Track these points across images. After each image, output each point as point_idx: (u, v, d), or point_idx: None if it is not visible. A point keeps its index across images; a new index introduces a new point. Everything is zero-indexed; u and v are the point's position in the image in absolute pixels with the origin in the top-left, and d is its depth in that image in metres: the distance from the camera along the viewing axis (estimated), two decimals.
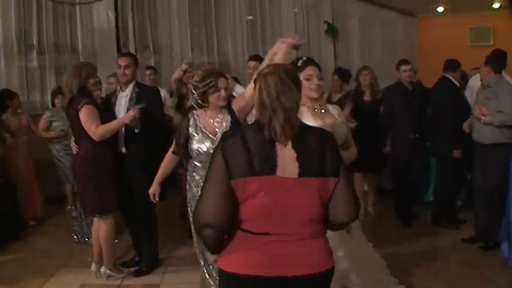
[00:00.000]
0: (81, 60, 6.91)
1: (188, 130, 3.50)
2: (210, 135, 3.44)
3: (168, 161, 3.76)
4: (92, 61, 6.84)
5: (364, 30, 12.32)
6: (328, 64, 10.21)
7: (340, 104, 6.22)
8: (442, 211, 5.88)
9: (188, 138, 3.49)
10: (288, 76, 1.99)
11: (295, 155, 1.93)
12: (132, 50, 7.48)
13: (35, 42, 6.70)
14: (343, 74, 7.10)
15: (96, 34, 7.15)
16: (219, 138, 3.18)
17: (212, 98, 3.45)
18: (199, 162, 3.49)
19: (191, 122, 3.51)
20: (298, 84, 2.02)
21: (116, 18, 7.38)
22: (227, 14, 8.88)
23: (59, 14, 6.92)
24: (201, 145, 3.44)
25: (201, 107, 3.53)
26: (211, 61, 8.57)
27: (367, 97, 6.35)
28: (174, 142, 3.63)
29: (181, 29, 8.04)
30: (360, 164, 5.93)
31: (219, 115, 3.52)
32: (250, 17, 9.39)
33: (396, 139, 6.13)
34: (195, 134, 3.47)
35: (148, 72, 6.73)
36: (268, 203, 1.90)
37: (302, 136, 1.96)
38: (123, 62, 4.58)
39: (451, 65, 5.85)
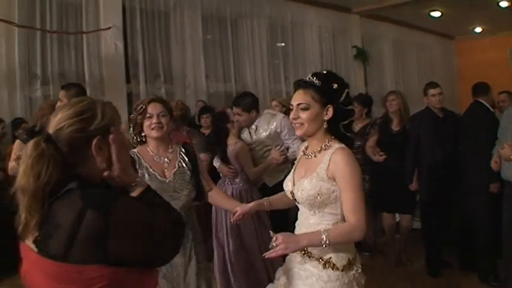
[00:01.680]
0: (88, 90, 6.66)
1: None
2: (158, 176, 2.95)
3: None
4: (99, 91, 6.77)
5: (397, 54, 11.95)
6: (358, 91, 9.71)
7: (363, 133, 5.78)
8: (485, 262, 4.98)
9: None
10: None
11: None
12: (142, 79, 7.35)
13: (38, 71, 6.54)
14: (363, 101, 6.36)
15: (103, 63, 7.00)
16: (171, 183, 2.95)
17: (145, 129, 2.99)
18: None
19: (136, 162, 2.96)
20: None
21: (125, 47, 7.16)
22: (246, 39, 8.70)
23: (64, 43, 6.80)
24: None
25: (139, 143, 3.08)
26: (228, 89, 8.28)
27: (395, 126, 5.66)
28: None
29: (195, 56, 7.82)
30: (389, 203, 5.67)
31: (168, 151, 3.06)
32: (282, 44, 9.23)
33: (423, 175, 5.37)
34: (143, 176, 2.94)
35: None
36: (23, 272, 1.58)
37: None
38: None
39: (481, 88, 5.24)
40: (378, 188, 5.73)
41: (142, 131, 3.00)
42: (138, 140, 3.07)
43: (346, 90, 2.44)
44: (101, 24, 6.94)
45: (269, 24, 9.03)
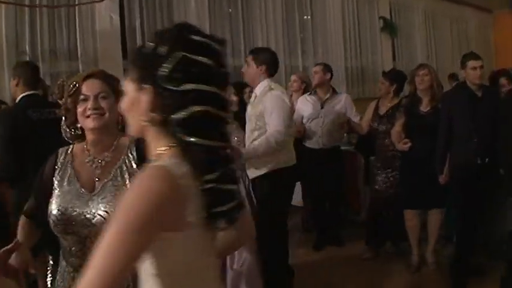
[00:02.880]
0: (81, 67, 6.22)
1: (52, 178, 2.11)
2: (79, 187, 2.05)
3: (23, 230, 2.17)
4: (93, 67, 6.27)
5: (429, 27, 11.15)
6: (385, 66, 9.08)
7: (391, 116, 5.05)
8: None
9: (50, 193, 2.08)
10: None
11: None
12: None
13: (27, 49, 6.08)
14: (391, 77, 5.49)
15: (98, 38, 6.58)
16: (94, 199, 2.01)
17: (78, 117, 2.08)
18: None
19: (60, 162, 2.13)
20: None
21: (122, 20, 6.75)
22: (258, 8, 8.10)
23: (55, 18, 6.39)
24: (62, 206, 2.02)
25: (75, 138, 2.17)
26: (238, 64, 7.65)
27: (424, 107, 4.76)
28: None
29: (200, 27, 7.08)
30: (415, 198, 4.78)
31: (109, 150, 2.10)
32: (307, 17, 8.63)
33: (457, 164, 4.49)
34: (57, 187, 2.08)
35: None
36: None
37: None
38: None
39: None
40: (405, 183, 4.92)
41: (77, 120, 2.10)
42: (73, 133, 2.15)
43: (180, 54, 1.34)
44: None
45: None
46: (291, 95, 5.70)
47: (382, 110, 5.26)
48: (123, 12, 6.77)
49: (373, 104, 5.49)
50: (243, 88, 5.38)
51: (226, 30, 7.74)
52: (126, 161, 2.07)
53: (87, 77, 2.12)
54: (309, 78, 6.05)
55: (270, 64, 4.03)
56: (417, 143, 4.64)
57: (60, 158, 2.13)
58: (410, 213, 4.95)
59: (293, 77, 5.93)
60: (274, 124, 3.79)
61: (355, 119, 5.58)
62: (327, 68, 5.60)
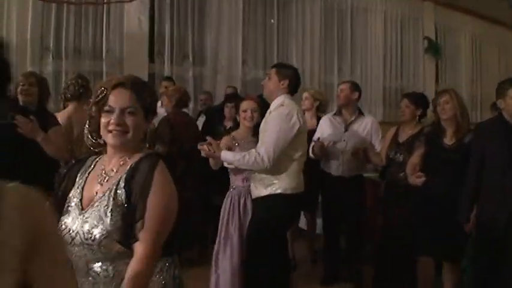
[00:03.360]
0: (104, 67, 6.05)
1: (74, 181, 1.98)
2: (79, 204, 1.88)
3: None
4: (117, 69, 6.32)
5: (475, 52, 10.61)
6: (427, 89, 8.62)
7: (410, 145, 4.42)
8: None
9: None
10: None
11: None
12: (167, 59, 6.68)
13: (51, 45, 5.97)
14: (416, 99, 4.69)
15: (124, 39, 6.42)
16: (84, 218, 1.82)
17: (101, 127, 1.89)
18: None
19: (83, 168, 2.00)
20: None
21: (152, 23, 6.56)
22: (294, 22, 7.79)
23: (82, 16, 6.26)
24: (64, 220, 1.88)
25: (97, 146, 1.98)
26: None
27: (448, 139, 3.99)
28: None
29: (231, 37, 7.01)
30: (430, 245, 3.95)
31: (119, 163, 1.91)
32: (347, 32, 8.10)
33: (487, 212, 3.63)
34: (72, 201, 1.92)
35: (165, 84, 5.71)
36: None
37: None
38: None
39: None
40: (419, 224, 4.13)
41: (99, 129, 1.90)
42: (94, 141, 1.97)
43: None
44: None
45: (324, 6, 8.07)
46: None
47: (402, 137, 4.49)
48: (153, 16, 6.59)
49: (392, 130, 4.64)
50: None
51: (260, 41, 7.45)
52: (120, 181, 1.84)
53: (118, 84, 1.88)
54: (322, 95, 5.58)
55: (293, 81, 3.71)
56: (436, 179, 3.83)
57: (86, 164, 2.01)
58: (424, 261, 4.16)
59: (305, 95, 5.34)
60: (264, 141, 3.48)
61: (378, 148, 4.80)
62: (354, 87, 4.93)
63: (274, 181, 3.55)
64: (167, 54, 6.63)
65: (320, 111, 5.36)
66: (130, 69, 6.31)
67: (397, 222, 4.36)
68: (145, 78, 6.41)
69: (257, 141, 3.59)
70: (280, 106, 3.56)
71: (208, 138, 3.52)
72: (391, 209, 4.52)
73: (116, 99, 1.84)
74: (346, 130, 4.83)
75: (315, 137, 4.77)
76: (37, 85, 3.65)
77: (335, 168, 4.80)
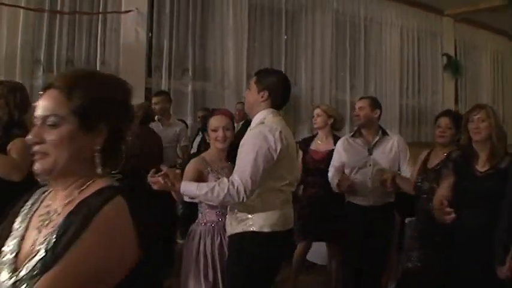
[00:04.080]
0: None
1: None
2: (8, 267, 1.32)
3: None
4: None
5: (497, 70, 10.16)
6: (445, 108, 8.04)
7: (439, 172, 3.77)
8: None
9: None
10: None
11: None
12: (165, 73, 6.33)
13: (42, 57, 5.66)
14: (456, 120, 4.08)
15: (121, 52, 6.07)
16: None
17: None
18: None
19: (24, 212, 1.45)
20: None
21: (150, 35, 6.29)
22: (304, 35, 7.41)
23: (76, 27, 5.93)
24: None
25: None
26: None
27: (481, 166, 3.34)
28: None
29: (237, 51, 6.69)
30: None
31: (59, 208, 1.35)
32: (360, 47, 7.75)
33: None
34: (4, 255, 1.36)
35: (155, 99, 5.45)
36: None
37: None
38: None
39: None
40: (447, 266, 3.46)
41: None
42: None
43: None
44: (122, 6, 6.00)
45: (335, 19, 7.68)
46: (315, 134, 4.79)
47: (433, 162, 3.78)
48: (151, 27, 6.27)
49: (424, 153, 3.94)
50: None
51: (266, 55, 7.07)
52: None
53: (48, 85, 1.39)
54: (337, 112, 4.97)
55: (276, 92, 2.90)
56: (467, 214, 3.21)
57: (33, 199, 1.47)
58: None
59: (316, 111, 4.63)
60: (239, 168, 2.74)
61: (407, 170, 4.13)
62: (375, 103, 4.24)
63: (249, 215, 2.82)
64: (165, 68, 6.27)
65: (334, 129, 4.70)
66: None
67: (419, 263, 3.69)
68: (142, 93, 6.08)
69: (233, 167, 2.85)
70: (260, 124, 2.85)
71: (163, 168, 2.76)
72: (413, 246, 3.81)
73: (39, 107, 1.35)
74: (370, 153, 4.16)
75: (335, 164, 4.18)
76: (3, 96, 3.23)
77: (362, 198, 4.14)
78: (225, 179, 2.69)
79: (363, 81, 7.87)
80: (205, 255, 2.99)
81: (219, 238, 3.02)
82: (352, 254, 4.22)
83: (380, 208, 4.13)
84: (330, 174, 4.18)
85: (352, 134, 4.37)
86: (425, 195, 3.65)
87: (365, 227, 4.07)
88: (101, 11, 5.87)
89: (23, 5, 5.46)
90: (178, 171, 2.83)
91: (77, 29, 5.84)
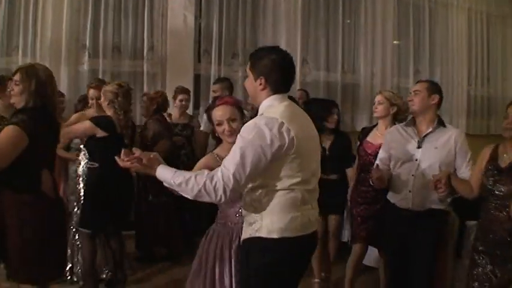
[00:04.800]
0: (145, 66, 5.53)
1: None
2: None
3: None
4: (159, 69, 5.82)
5: None
6: None
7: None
8: None
9: None
10: None
11: None
12: (215, 58, 6.02)
13: (88, 43, 5.51)
14: None
15: (168, 37, 5.82)
16: None
17: None
18: None
19: None
20: None
21: (199, 19, 6.02)
22: (363, 18, 6.90)
23: (122, 11, 5.74)
24: None
25: None
26: (332, 79, 6.51)
27: None
28: None
29: (289, 35, 6.32)
30: None
31: None
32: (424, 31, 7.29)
33: None
34: None
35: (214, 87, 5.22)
36: None
37: None
38: None
39: None
40: None
41: None
42: None
43: None
44: None
45: (398, 1, 7.12)
46: (375, 124, 4.22)
47: (505, 161, 3.19)
48: (199, 11, 6.00)
49: (488, 150, 3.19)
50: None
51: (321, 39, 6.62)
52: None
53: None
54: (402, 99, 4.31)
55: (271, 75, 2.44)
56: None
57: None
58: None
59: (378, 98, 4.05)
60: (223, 164, 2.32)
61: (466, 171, 3.43)
62: (433, 88, 3.51)
63: (257, 218, 2.42)
64: (215, 53, 5.96)
65: (397, 119, 4.04)
66: (174, 69, 5.76)
67: (487, 283, 2.98)
68: (191, 80, 5.83)
69: None
70: (268, 108, 2.44)
71: (136, 151, 2.38)
72: (480, 261, 3.06)
73: None
74: (419, 146, 3.49)
75: (380, 155, 3.66)
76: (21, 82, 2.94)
77: (401, 198, 3.50)
78: (206, 172, 2.28)
79: (428, 68, 7.29)
80: (221, 259, 2.63)
81: (237, 240, 2.62)
82: (392, 260, 3.67)
83: (422, 214, 3.41)
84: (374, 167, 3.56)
85: (405, 122, 3.70)
86: (498, 202, 2.94)
87: (403, 232, 3.44)
88: None
89: None
90: (153, 154, 2.39)
91: (123, 13, 5.68)
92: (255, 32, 6.24)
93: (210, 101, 4.44)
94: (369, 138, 4.03)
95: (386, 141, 3.66)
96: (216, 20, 5.96)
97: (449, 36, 7.54)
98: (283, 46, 6.04)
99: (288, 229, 2.34)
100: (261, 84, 2.41)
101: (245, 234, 2.42)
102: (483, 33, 8.03)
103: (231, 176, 2.21)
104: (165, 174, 2.33)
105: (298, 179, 2.33)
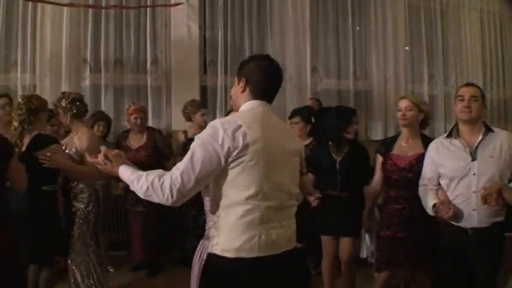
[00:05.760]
0: (149, 80, 5.31)
1: None
2: None
3: None
4: (163, 82, 5.63)
5: None
6: None
7: None
8: None
9: None
10: None
11: None
12: (221, 69, 5.79)
13: (88, 57, 5.32)
14: None
15: (172, 48, 5.63)
16: None
17: None
18: None
19: None
20: None
21: (203, 29, 5.82)
22: (373, 22, 6.63)
23: (123, 24, 5.57)
24: None
25: None
26: (344, 87, 6.27)
27: None
28: None
29: (298, 43, 6.11)
30: None
31: None
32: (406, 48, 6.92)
33: None
34: None
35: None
36: None
37: None
38: None
39: None
40: None
41: None
42: None
43: None
44: None
45: (408, 4, 6.88)
46: (397, 135, 3.79)
47: None
48: (204, 21, 5.80)
49: None
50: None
51: (331, 46, 6.39)
52: None
53: None
54: (426, 105, 3.93)
55: (251, 78, 2.28)
56: None
57: None
58: None
59: (404, 103, 3.57)
60: (177, 164, 2.13)
61: None
62: (483, 93, 3.18)
63: (215, 233, 2.21)
64: (221, 64, 5.75)
65: (422, 127, 3.69)
66: (180, 81, 5.58)
67: None
68: (197, 91, 5.64)
69: None
70: (240, 112, 2.28)
71: (102, 148, 2.27)
72: None
73: None
74: (473, 158, 3.06)
75: (427, 175, 3.22)
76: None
77: (465, 217, 3.07)
78: (159, 171, 2.11)
79: (442, 72, 7.01)
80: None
81: None
82: (452, 281, 3.18)
83: (486, 230, 3.04)
84: (420, 189, 3.24)
85: (447, 133, 3.25)
86: None
87: (464, 254, 3.05)
88: (148, 4, 5.46)
89: (65, 1, 5.13)
90: (117, 151, 2.26)
91: (125, 25, 5.52)
92: (262, 40, 6.03)
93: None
94: (395, 151, 3.55)
95: (431, 158, 3.23)
96: (221, 29, 5.76)
97: (463, 39, 7.26)
98: (291, 54, 5.99)
99: (244, 249, 2.09)
100: (241, 86, 2.23)
101: (208, 249, 2.20)
102: (496, 35, 7.75)
103: (179, 175, 2.03)
104: (125, 173, 2.19)
105: (251, 192, 2.08)
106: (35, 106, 3.41)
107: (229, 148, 2.02)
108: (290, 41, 6.04)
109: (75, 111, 3.62)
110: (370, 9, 6.60)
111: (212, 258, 2.14)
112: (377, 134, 6.19)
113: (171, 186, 2.02)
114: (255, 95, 2.22)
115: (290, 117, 4.50)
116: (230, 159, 2.04)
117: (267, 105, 2.24)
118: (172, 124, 5.57)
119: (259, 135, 2.10)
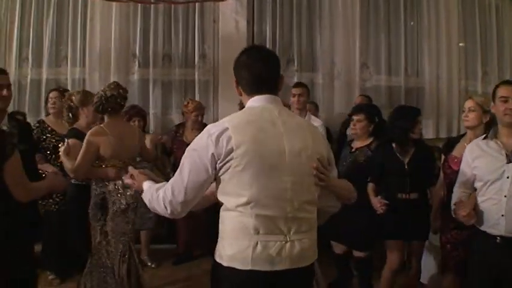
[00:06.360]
0: (196, 75, 5.29)
1: None
2: None
3: None
4: (211, 77, 5.64)
5: None
6: None
7: None
8: None
9: None
10: None
11: None
12: None
13: (137, 52, 5.42)
14: None
15: (220, 44, 5.61)
16: None
17: None
18: None
19: None
20: None
21: (251, 24, 5.74)
22: (426, 18, 6.36)
23: (172, 19, 5.56)
24: None
25: None
26: (395, 84, 6.07)
27: None
28: None
29: (347, 38, 5.95)
30: None
31: None
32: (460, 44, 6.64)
33: None
34: None
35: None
36: None
37: None
38: None
39: None
40: None
41: None
42: None
43: None
44: None
45: (461, 0, 6.57)
46: (462, 135, 3.64)
47: None
48: (252, 17, 5.74)
49: None
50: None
51: (382, 42, 6.18)
52: None
53: None
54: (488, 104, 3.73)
55: (238, 75, 2.21)
56: None
57: None
58: None
59: (468, 104, 3.44)
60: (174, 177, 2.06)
61: None
62: None
63: (219, 240, 2.09)
64: None
65: (487, 130, 3.25)
66: (227, 76, 5.41)
67: None
68: None
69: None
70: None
71: (130, 169, 2.26)
72: None
73: None
74: (509, 161, 2.86)
75: (461, 178, 3.06)
76: None
77: (492, 224, 2.85)
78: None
79: (496, 69, 6.72)
80: None
81: None
82: None
83: None
84: (454, 190, 3.07)
85: (484, 135, 3.06)
86: None
87: (494, 262, 2.81)
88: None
89: None
90: (141, 170, 2.25)
91: (173, 21, 5.54)
92: (311, 36, 5.91)
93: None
94: (455, 152, 3.41)
95: (467, 161, 3.04)
96: (269, 24, 5.70)
97: None
98: (340, 50, 5.84)
99: (237, 259, 1.96)
100: (238, 89, 2.18)
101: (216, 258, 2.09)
102: None
103: (169, 188, 1.97)
104: (144, 187, 2.16)
105: (245, 199, 1.93)
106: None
107: (213, 155, 1.92)
108: (339, 36, 5.91)
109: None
110: (422, 3, 6.37)
111: (214, 263, 2.06)
112: (428, 133, 5.96)
113: (163, 198, 1.98)
114: (249, 92, 2.11)
115: (352, 114, 4.24)
116: (218, 166, 1.93)
117: (268, 99, 2.08)
118: (219, 119, 5.47)
119: (246, 138, 1.95)
